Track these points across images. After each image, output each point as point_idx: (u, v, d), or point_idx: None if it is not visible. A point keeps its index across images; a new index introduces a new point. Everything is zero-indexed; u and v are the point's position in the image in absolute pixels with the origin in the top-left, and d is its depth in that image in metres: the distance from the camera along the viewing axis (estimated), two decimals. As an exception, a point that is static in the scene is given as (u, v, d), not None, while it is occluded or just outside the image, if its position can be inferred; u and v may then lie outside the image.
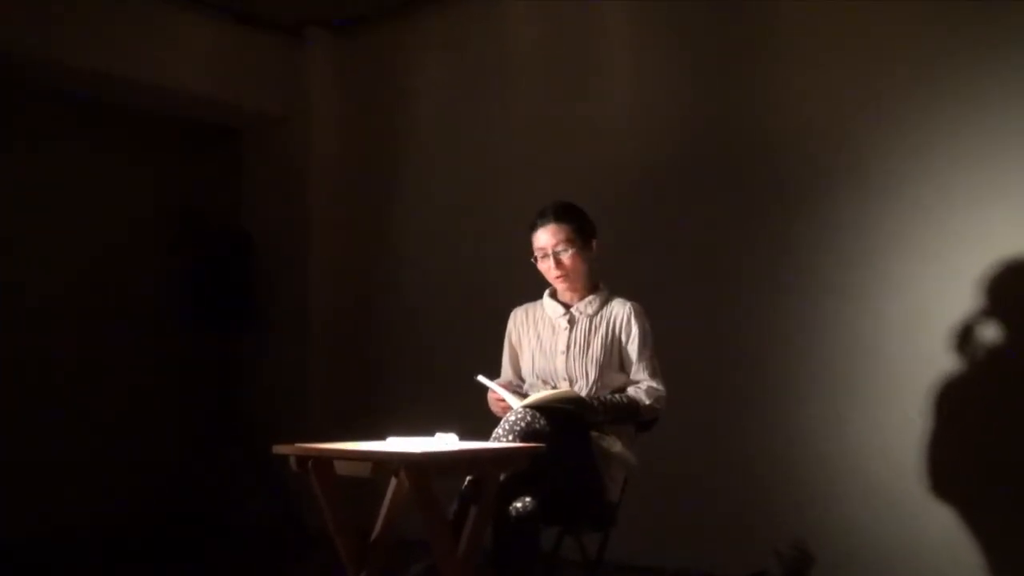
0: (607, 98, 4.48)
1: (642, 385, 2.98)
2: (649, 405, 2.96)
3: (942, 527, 3.49)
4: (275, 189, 5.46)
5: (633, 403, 2.95)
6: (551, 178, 4.50)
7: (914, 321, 3.62)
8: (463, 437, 2.68)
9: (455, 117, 5.02)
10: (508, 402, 2.85)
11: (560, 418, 2.75)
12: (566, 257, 3.03)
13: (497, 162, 4.81)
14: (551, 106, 4.66)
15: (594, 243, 3.10)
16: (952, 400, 3.53)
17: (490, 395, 3.00)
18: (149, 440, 5.23)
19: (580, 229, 3.06)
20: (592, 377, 2.99)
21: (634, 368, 3.02)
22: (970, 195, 3.53)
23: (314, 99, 5.38)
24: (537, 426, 2.71)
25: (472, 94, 4.96)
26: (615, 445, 2.91)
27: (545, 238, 3.04)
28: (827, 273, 3.83)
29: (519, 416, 2.72)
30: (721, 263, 4.09)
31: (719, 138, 4.14)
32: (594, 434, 2.86)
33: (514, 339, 3.21)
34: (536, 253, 3.08)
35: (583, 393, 2.95)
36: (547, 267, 3.06)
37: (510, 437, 2.68)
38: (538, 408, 2.75)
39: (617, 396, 2.96)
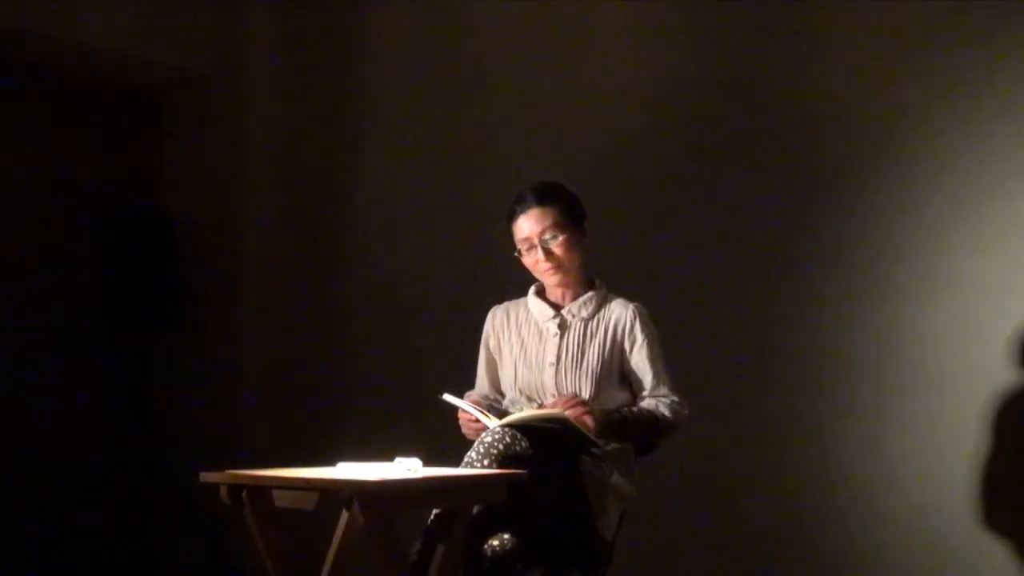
0: (604, 59, 4.46)
1: (665, 400, 2.99)
2: (672, 421, 2.96)
3: (998, 569, 3.51)
4: (202, 164, 5.41)
5: (653, 417, 2.95)
6: (536, 156, 4.48)
7: (966, 323, 3.63)
8: (429, 463, 2.67)
9: (425, 79, 4.98)
10: (483, 422, 2.84)
11: (546, 440, 2.74)
12: (556, 245, 3.02)
13: (474, 138, 4.78)
14: (537, 70, 4.64)
15: (586, 224, 3.10)
16: (1011, 418, 3.54)
17: (461, 415, 2.99)
18: (43, 471, 5.15)
19: (568, 210, 3.06)
20: (587, 394, 2.98)
21: (651, 383, 3.02)
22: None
23: (250, 55, 5.33)
24: (518, 448, 2.71)
25: (445, 51, 4.92)
26: (610, 473, 2.90)
27: (529, 226, 3.03)
28: (862, 267, 3.85)
29: (496, 437, 2.71)
30: (736, 255, 4.10)
31: (739, 107, 4.14)
32: (586, 459, 2.84)
33: (492, 345, 3.20)
34: (520, 246, 3.07)
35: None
36: (534, 260, 3.05)
37: (485, 462, 2.67)
38: (519, 428, 2.74)
39: (635, 409, 2.96)
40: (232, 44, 5.35)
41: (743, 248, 4.08)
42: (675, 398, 2.99)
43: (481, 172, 4.69)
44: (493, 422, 2.80)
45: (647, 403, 2.99)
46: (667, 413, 2.96)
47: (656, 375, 3.01)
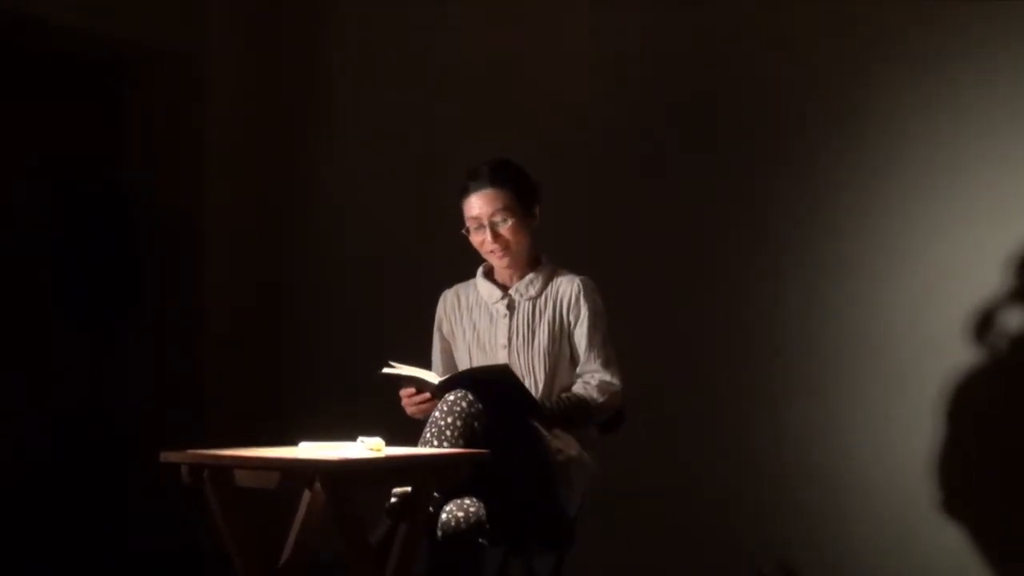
0: (568, 35, 4.47)
1: (593, 379, 2.98)
2: (602, 403, 2.96)
3: (953, 548, 3.57)
4: (162, 139, 5.36)
5: (583, 402, 2.93)
6: (501, 134, 4.45)
7: (923, 304, 3.67)
8: (391, 442, 2.67)
9: (389, 54, 4.95)
10: (424, 379, 2.81)
11: (496, 404, 2.71)
12: (505, 229, 3.03)
13: (438, 115, 4.76)
14: (504, 45, 4.63)
15: (537, 209, 3.10)
16: (968, 399, 3.59)
17: (403, 395, 2.94)
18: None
19: (521, 194, 3.06)
20: (542, 375, 3.00)
21: (583, 358, 3.01)
22: (992, 155, 3.58)
23: (212, 28, 5.28)
24: (476, 425, 2.68)
25: (410, 26, 4.89)
26: (573, 447, 2.91)
27: (479, 206, 3.03)
28: (817, 247, 3.88)
29: (456, 413, 2.68)
30: (690, 233, 4.11)
31: (694, 83, 4.15)
32: (551, 436, 2.85)
33: (445, 329, 3.20)
34: (468, 223, 3.07)
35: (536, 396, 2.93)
36: (481, 240, 3.05)
37: (448, 433, 2.66)
38: (467, 386, 2.72)
39: (564, 396, 2.95)
40: (194, 18, 5.29)
41: (698, 225, 4.09)
42: (605, 375, 2.98)
43: (444, 151, 4.68)
44: (433, 377, 2.79)
45: (576, 387, 2.98)
46: (596, 395, 2.95)
47: (589, 349, 3.00)
